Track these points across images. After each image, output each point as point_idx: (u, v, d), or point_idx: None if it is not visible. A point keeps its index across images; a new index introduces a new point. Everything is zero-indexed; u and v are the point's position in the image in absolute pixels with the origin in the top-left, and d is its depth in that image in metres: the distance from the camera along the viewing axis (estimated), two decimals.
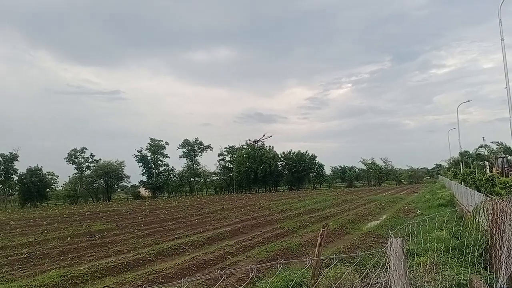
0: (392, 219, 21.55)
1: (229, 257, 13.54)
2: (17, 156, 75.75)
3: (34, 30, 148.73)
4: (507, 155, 41.94)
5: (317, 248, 7.53)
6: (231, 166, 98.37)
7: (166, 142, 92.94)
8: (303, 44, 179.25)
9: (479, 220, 9.63)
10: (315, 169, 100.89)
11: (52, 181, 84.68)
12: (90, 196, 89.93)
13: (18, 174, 77.50)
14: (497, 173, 32.77)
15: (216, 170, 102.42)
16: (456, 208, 20.84)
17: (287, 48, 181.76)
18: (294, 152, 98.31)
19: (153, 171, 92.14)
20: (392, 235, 4.14)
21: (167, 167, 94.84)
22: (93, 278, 11.09)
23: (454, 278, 7.05)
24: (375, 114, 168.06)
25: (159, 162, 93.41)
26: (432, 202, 28.20)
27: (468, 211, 14.55)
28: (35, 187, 76.88)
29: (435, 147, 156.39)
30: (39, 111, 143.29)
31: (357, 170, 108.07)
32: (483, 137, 50.43)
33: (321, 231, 7.61)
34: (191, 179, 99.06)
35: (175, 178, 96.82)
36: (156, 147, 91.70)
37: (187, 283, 2.17)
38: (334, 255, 8.41)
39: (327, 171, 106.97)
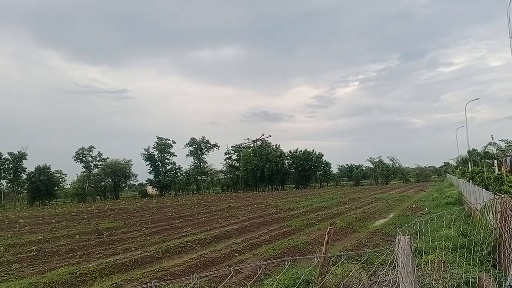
0: (400, 217, 21.48)
1: (236, 255, 13.57)
2: (26, 155, 76.47)
3: (41, 30, 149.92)
4: None
5: (324, 246, 7.53)
6: (238, 164, 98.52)
7: (173, 140, 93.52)
8: (310, 43, 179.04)
9: (488, 218, 9.58)
10: (322, 167, 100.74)
11: (61, 180, 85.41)
12: (98, 194, 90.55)
13: (26, 173, 78.24)
14: (506, 171, 32.49)
15: (223, 169, 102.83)
16: (464, 207, 20.70)
17: (293, 46, 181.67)
18: (301, 151, 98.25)
19: (160, 169, 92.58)
20: (400, 233, 4.13)
21: (174, 166, 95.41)
22: (101, 275, 11.17)
23: (463, 276, 7.01)
24: (382, 112, 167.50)
25: (166, 160, 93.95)
26: (440, 201, 28.06)
27: (477, 210, 14.46)
28: (44, 185, 77.56)
29: (443, 146, 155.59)
30: (47, 110, 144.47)
31: (364, 168, 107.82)
32: (492, 135, 49.96)
33: (328, 229, 7.61)
34: (198, 178, 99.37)
35: (182, 176, 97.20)
36: (163, 146, 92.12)
37: (196, 279, 2.19)
38: (343, 252, 8.39)
39: (334, 169, 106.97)
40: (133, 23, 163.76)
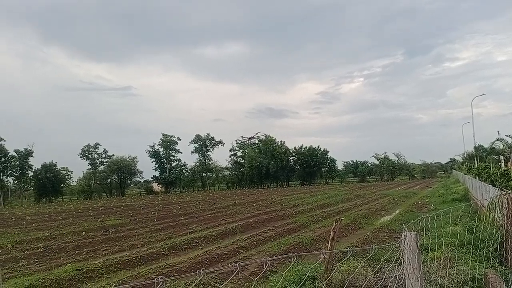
0: (406, 213, 21.41)
1: (242, 251, 13.60)
2: (32, 152, 76.90)
3: (46, 27, 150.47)
4: None
5: (330, 242, 7.53)
6: (243, 161, 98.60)
7: (178, 137, 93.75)
8: (314, 39, 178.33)
9: (494, 214, 9.53)
10: (327, 164, 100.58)
11: (67, 177, 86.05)
12: (104, 191, 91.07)
13: (33, 170, 78.73)
14: None
15: (228, 165, 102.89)
16: (470, 203, 20.61)
17: (298, 43, 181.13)
18: (306, 147, 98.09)
19: (166, 166, 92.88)
20: (406, 229, 4.12)
21: (179, 163, 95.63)
22: (108, 271, 11.24)
23: (469, 272, 6.99)
24: (388, 108, 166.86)
25: (172, 157, 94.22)
26: (446, 197, 27.94)
27: (483, 206, 14.39)
28: (50, 182, 78.10)
29: (449, 142, 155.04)
30: (52, 107, 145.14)
31: (369, 165, 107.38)
32: (498, 131, 49.72)
33: (333, 226, 7.61)
34: (203, 174, 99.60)
35: (187, 173, 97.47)
36: (168, 143, 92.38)
37: (203, 275, 2.19)
38: (349, 248, 8.39)
39: (339, 166, 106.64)
40: (137, 20, 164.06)
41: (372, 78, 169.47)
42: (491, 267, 7.59)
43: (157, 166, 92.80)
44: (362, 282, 7.23)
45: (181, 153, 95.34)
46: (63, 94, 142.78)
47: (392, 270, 7.11)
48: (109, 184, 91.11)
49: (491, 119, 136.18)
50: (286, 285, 7.58)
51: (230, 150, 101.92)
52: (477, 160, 49.81)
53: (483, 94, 54.83)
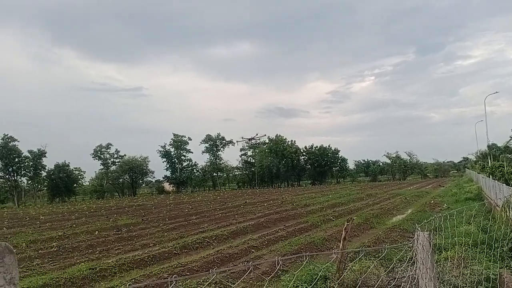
0: (418, 213, 21.23)
1: (253, 250, 13.62)
2: (45, 153, 77.78)
3: (59, 29, 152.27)
4: None
5: (341, 242, 7.51)
6: (253, 161, 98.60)
7: (188, 137, 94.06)
8: (324, 38, 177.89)
9: (509, 213, 9.41)
10: (338, 163, 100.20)
11: (79, 177, 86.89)
12: (116, 191, 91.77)
13: (46, 170, 79.63)
14: None
15: (239, 165, 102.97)
16: (484, 202, 20.38)
17: (307, 42, 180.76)
18: (317, 147, 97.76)
19: (177, 166, 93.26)
20: (419, 229, 4.09)
21: (190, 162, 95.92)
22: (120, 270, 11.34)
23: (483, 272, 6.91)
24: (399, 107, 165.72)
25: (183, 157, 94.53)
26: (459, 196, 27.63)
27: (497, 205, 14.21)
28: (63, 182, 78.95)
29: (462, 140, 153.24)
30: (65, 108, 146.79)
31: (381, 164, 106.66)
32: None
33: (345, 225, 7.58)
34: (214, 174, 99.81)
35: (198, 173, 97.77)
36: (179, 143, 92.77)
37: (215, 274, 2.21)
38: (361, 248, 8.35)
39: (351, 165, 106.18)
40: (148, 20, 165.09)
41: (383, 77, 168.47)
42: (506, 266, 7.50)
43: (168, 166, 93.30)
44: (374, 282, 7.19)
45: (192, 153, 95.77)
46: (75, 94, 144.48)
47: (405, 270, 7.07)
48: (121, 184, 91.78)
49: (505, 117, 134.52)
50: (298, 284, 7.58)
51: (241, 150, 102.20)
52: (490, 159, 49.13)
53: (496, 92, 54.00)
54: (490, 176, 27.51)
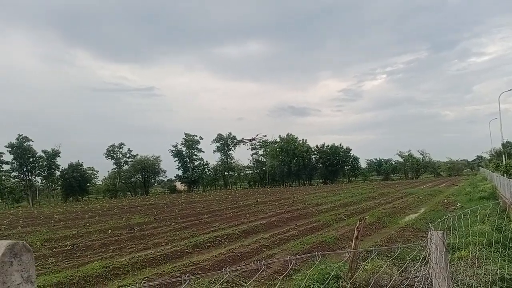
0: (431, 212, 21.02)
1: (265, 250, 13.62)
2: (59, 152, 78.86)
3: (71, 30, 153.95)
4: None
5: (353, 241, 7.48)
6: (265, 160, 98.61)
7: (200, 137, 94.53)
8: (336, 36, 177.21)
9: None
10: (350, 162, 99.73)
11: (93, 176, 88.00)
12: (129, 190, 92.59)
13: (60, 170, 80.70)
14: None
15: (250, 164, 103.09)
16: (498, 201, 20.10)
17: (319, 40, 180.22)
18: (328, 145, 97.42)
19: (189, 165, 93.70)
20: (432, 228, 4.06)
21: (202, 162, 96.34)
22: (133, 269, 11.43)
23: (497, 272, 6.83)
24: (412, 105, 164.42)
25: (194, 156, 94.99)
26: (473, 195, 27.30)
27: None
28: (77, 182, 79.95)
29: (476, 138, 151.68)
30: (78, 108, 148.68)
31: (393, 162, 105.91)
32: None
33: (357, 224, 7.55)
34: (225, 173, 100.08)
35: (209, 172, 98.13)
36: (191, 142, 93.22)
37: (228, 273, 2.22)
38: (373, 247, 8.31)
39: (362, 164, 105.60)
40: (160, 21, 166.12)
41: (396, 75, 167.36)
42: None
43: (180, 165, 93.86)
44: (387, 281, 7.15)
45: (204, 152, 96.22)
46: (88, 95, 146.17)
47: (418, 270, 7.01)
48: (134, 183, 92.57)
49: None
50: (310, 283, 7.57)
51: (252, 149, 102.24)
52: (505, 157, 48.48)
53: (511, 90, 52.97)
54: (505, 174, 27.15)
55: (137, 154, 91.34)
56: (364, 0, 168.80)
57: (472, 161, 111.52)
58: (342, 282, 7.09)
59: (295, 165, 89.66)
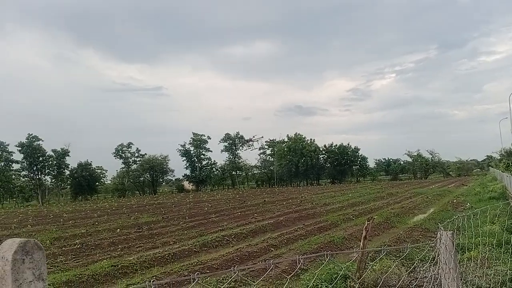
0: (440, 212, 20.88)
1: (272, 249, 13.62)
2: (68, 152, 79.50)
3: (80, 30, 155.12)
4: None
5: (362, 241, 7.45)
6: (272, 159, 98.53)
7: (208, 136, 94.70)
8: (343, 35, 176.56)
9: None
10: (358, 162, 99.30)
11: (101, 175, 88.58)
12: (137, 189, 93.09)
13: (69, 169, 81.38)
14: None
15: (257, 164, 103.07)
16: (509, 201, 19.91)
17: (326, 39, 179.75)
18: (336, 145, 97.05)
19: (196, 165, 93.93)
20: (442, 228, 4.03)
21: (210, 161, 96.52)
22: (142, 268, 11.49)
23: (507, 273, 6.76)
24: (421, 104, 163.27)
25: (202, 156, 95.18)
26: (482, 195, 27.05)
27: None
28: (86, 181, 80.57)
29: (486, 138, 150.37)
30: (87, 108, 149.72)
31: (402, 162, 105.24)
32: None
33: (366, 224, 7.52)
34: (233, 173, 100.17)
35: (217, 171, 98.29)
36: (199, 142, 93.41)
37: (237, 272, 2.23)
38: (382, 247, 8.27)
39: (371, 164, 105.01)
40: (167, 21, 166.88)
41: (405, 74, 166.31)
42: None
43: (188, 164, 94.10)
44: (395, 281, 7.11)
45: (211, 151, 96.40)
46: (97, 95, 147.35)
47: (427, 270, 6.97)
48: (142, 182, 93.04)
49: None
50: (318, 283, 7.55)
51: (260, 149, 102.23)
52: None
53: None
54: None
55: (146, 154, 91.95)
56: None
57: (482, 161, 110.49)
58: (350, 282, 7.07)
59: (303, 165, 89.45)
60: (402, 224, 18.30)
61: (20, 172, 76.69)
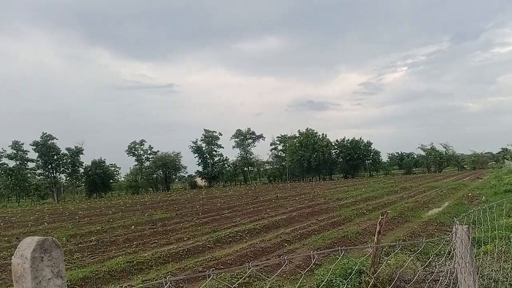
0: (455, 206, 20.65)
1: (286, 244, 13.63)
2: (82, 150, 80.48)
3: (92, 29, 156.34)
4: None
5: (376, 236, 7.40)
6: (284, 155, 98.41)
7: (219, 133, 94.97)
8: (355, 29, 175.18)
9: None
10: (370, 156, 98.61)
11: (115, 173, 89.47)
12: (150, 186, 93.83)
13: (84, 167, 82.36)
14: None
15: (269, 159, 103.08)
16: None
17: (338, 33, 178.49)
18: (349, 140, 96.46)
19: (208, 161, 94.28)
20: (457, 222, 3.99)
21: (222, 157, 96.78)
22: (157, 264, 11.59)
23: None
24: (434, 97, 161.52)
25: (214, 152, 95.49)
26: (498, 188, 26.66)
27: None
28: (100, 178, 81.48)
29: (501, 130, 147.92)
30: (99, 106, 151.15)
31: (415, 156, 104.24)
32: None
33: (380, 219, 7.47)
34: (245, 169, 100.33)
35: (229, 167, 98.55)
36: (210, 138, 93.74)
37: (252, 267, 2.23)
38: (398, 242, 8.22)
39: (384, 158, 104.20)
40: (178, 18, 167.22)
41: (417, 67, 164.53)
42: None
43: (200, 161, 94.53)
44: (410, 276, 7.07)
45: (223, 148, 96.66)
46: (109, 93, 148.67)
47: (443, 264, 6.91)
48: (155, 179, 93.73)
49: None
50: (332, 278, 7.54)
51: (271, 144, 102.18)
52: None
53: None
54: None
55: (158, 151, 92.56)
56: None
57: (497, 153, 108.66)
58: (365, 277, 7.04)
59: (315, 160, 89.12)
60: (416, 218, 18.15)
61: (36, 170, 77.90)
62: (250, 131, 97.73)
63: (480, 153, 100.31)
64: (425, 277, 7.07)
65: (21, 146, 74.13)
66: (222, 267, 10.59)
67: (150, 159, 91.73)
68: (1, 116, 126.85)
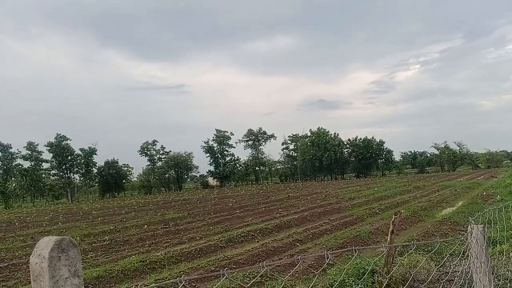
0: (469, 205, 20.39)
1: (298, 244, 13.60)
2: (96, 150, 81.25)
3: (104, 30, 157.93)
4: None
5: (389, 235, 7.36)
6: (295, 154, 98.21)
7: (231, 132, 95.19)
8: (366, 27, 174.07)
9: None
10: (383, 155, 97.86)
11: (128, 173, 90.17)
12: (163, 186, 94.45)
13: (97, 167, 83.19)
14: None
15: (281, 159, 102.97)
16: None
17: (349, 31, 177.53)
18: (361, 139, 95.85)
19: (220, 161, 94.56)
20: (472, 222, 3.95)
21: (233, 157, 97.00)
22: (169, 263, 11.67)
23: None
24: (447, 95, 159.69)
25: (225, 152, 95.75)
26: None
27: None
28: (113, 178, 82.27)
29: None
30: (112, 107, 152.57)
31: (428, 155, 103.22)
32: None
33: (393, 218, 7.42)
34: (256, 168, 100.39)
35: (240, 167, 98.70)
36: (222, 138, 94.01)
37: (265, 267, 2.24)
38: (410, 242, 8.16)
39: (396, 157, 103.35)
40: (188, 18, 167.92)
41: (429, 65, 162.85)
42: None
43: (211, 161, 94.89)
44: (424, 276, 7.00)
45: (234, 147, 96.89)
46: (122, 94, 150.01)
47: (458, 264, 6.83)
48: (167, 179, 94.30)
49: None
50: (345, 278, 7.51)
51: (282, 144, 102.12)
52: None
53: None
54: None
55: (170, 151, 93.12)
56: None
57: None
58: (378, 277, 7.00)
59: (327, 159, 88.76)
60: (430, 218, 17.97)
61: (50, 171, 78.84)
62: (262, 131, 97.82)
63: (495, 151, 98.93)
64: (439, 277, 7.01)
65: (36, 147, 75.11)
66: (234, 266, 10.61)
67: (163, 159, 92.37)
68: (15, 117, 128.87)
